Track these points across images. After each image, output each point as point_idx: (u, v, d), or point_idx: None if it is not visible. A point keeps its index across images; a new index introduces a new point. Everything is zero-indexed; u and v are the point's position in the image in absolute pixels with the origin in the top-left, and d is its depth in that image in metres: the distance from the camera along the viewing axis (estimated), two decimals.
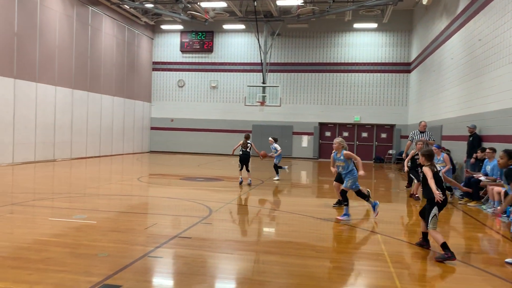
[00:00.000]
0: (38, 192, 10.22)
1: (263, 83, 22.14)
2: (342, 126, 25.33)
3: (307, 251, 5.57)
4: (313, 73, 25.25)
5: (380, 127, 24.96)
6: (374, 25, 23.94)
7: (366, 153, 24.84)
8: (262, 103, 21.52)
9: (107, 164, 18.45)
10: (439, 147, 10.90)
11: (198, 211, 8.13)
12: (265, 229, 7.37)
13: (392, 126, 24.81)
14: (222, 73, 26.27)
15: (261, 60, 22.64)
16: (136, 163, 19.74)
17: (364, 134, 25.16)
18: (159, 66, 27.09)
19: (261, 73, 23.01)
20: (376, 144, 24.97)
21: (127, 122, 24.36)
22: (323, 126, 25.42)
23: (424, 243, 5.95)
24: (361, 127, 25.15)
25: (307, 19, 21.92)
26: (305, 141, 25.33)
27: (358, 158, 8.04)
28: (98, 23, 21.29)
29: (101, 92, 21.71)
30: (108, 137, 22.52)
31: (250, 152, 12.55)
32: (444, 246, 5.31)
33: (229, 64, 26.16)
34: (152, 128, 27.13)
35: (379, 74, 24.63)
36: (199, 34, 26.26)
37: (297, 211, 8.48)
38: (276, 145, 14.09)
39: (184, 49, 26.53)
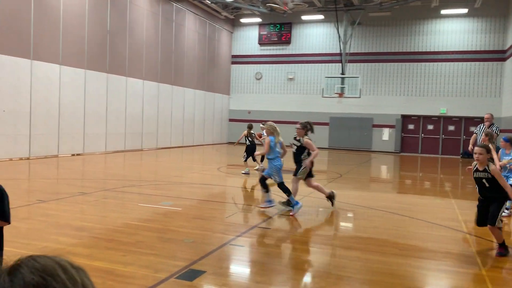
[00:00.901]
0: (128, 179, 10.98)
1: (342, 74, 21.66)
2: (427, 119, 24.02)
3: (389, 248, 5.40)
4: (395, 62, 24.17)
5: (469, 120, 23.28)
6: (464, 11, 22.28)
7: (452, 147, 23.34)
8: (341, 94, 21.07)
9: (189, 154, 19.29)
10: (508, 140, 9.43)
11: (276, 203, 8.21)
12: (345, 224, 7.26)
13: (482, 119, 23.05)
14: (299, 64, 26.13)
15: (340, 51, 22.14)
16: (216, 153, 20.41)
17: (451, 127, 23.64)
18: (238, 59, 27.63)
19: (340, 64, 22.52)
20: (464, 138, 23.34)
21: (207, 114, 25.24)
22: (406, 118, 24.30)
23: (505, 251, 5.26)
24: (448, 119, 23.65)
25: (390, 6, 21.00)
26: (386, 134, 24.41)
27: (316, 151, 7.61)
28: (181, 19, 22.21)
29: (184, 85, 22.69)
30: (190, 128, 23.52)
31: (255, 142, 12.50)
32: (504, 244, 5.26)
33: (307, 55, 25.94)
34: (230, 120, 27.83)
35: (468, 63, 22.93)
36: (277, 26, 26.32)
37: (377, 206, 8.23)
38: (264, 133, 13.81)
39: (262, 41, 26.77)
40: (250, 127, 12.72)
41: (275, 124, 7.76)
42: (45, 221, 6.22)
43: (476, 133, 10.97)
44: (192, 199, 8.41)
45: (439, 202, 9.31)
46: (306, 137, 7.77)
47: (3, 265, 0.67)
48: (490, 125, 10.86)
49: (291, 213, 7.13)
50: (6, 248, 4.85)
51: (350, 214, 7.79)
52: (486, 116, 11.16)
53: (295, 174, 7.74)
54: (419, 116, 24.11)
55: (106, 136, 17.41)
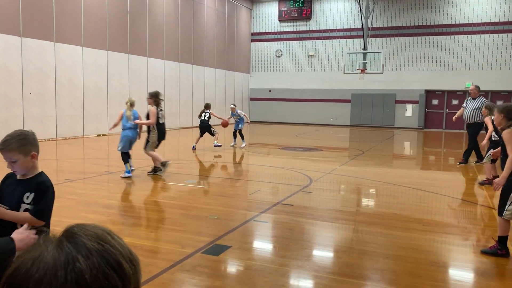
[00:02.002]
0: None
1: (364, 49, 21.23)
2: (451, 94, 23.44)
3: (414, 224, 5.39)
4: (419, 36, 23.53)
5: (496, 94, 22.61)
6: None
7: None
8: (363, 70, 20.71)
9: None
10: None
11: (298, 180, 8.26)
12: (368, 200, 7.26)
13: (510, 93, 22.35)
14: (320, 40, 25.71)
15: (362, 25, 21.66)
16: None
17: None
18: (258, 37, 27.36)
19: (362, 39, 22.06)
20: None
21: (228, 93, 25.24)
22: (429, 93, 23.78)
23: None
24: None
25: None
26: (409, 110, 23.98)
27: (151, 121, 8.28)
28: None
29: (204, 64, 22.68)
30: (211, 107, 23.59)
31: (209, 121, 12.77)
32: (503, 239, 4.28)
33: (328, 31, 25.48)
34: (251, 99, 27.77)
35: (497, 34, 22.12)
36: (297, 2, 25.85)
37: (401, 182, 8.18)
38: (239, 111, 13.88)
39: (282, 18, 26.39)
40: (206, 107, 13.08)
41: (133, 98, 8.42)
42: (74, 199, 6.43)
43: (464, 107, 10.58)
44: (215, 177, 8.52)
45: (464, 177, 9.18)
46: (154, 107, 8.34)
47: (51, 234, 0.70)
48: (476, 98, 10.42)
49: (121, 175, 7.91)
50: None
51: (373, 191, 7.77)
52: (471, 88, 10.72)
53: (144, 148, 8.45)
54: (443, 91, 23.55)
55: None
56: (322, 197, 7.01)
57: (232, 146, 13.44)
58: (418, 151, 15.17)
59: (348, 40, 24.94)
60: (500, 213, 4.27)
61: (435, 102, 23.74)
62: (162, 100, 8.69)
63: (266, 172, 9.48)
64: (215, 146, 12.49)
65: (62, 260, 0.63)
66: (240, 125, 13.65)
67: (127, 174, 7.97)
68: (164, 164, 8.28)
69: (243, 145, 13.23)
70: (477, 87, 10.51)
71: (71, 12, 14.58)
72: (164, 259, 3.99)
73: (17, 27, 12.91)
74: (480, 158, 10.24)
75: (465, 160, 10.43)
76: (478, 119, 10.02)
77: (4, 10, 12.52)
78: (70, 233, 0.68)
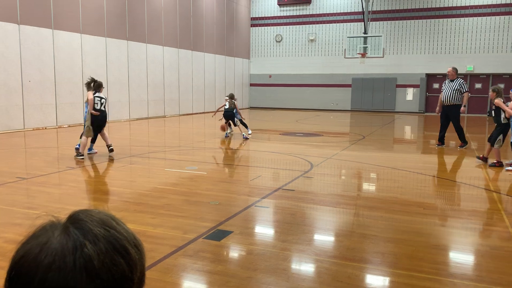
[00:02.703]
0: (152, 145, 11.18)
1: (365, 33, 21.06)
2: None
3: (414, 208, 5.41)
4: (420, 19, 23.31)
5: (497, 77, 22.49)
6: None
7: (478, 106, 22.70)
8: (363, 54, 20.58)
9: (211, 119, 19.40)
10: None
11: (299, 165, 8.27)
12: (369, 185, 7.28)
13: (510, 75, 22.23)
14: (320, 25, 25.49)
15: (363, 9, 21.44)
16: None
17: (478, 85, 22.91)
18: (257, 22, 27.12)
19: (362, 23, 21.87)
20: None
21: (228, 79, 25.13)
22: (430, 77, 23.65)
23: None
24: (475, 77, 22.90)
25: None
26: (410, 94, 23.89)
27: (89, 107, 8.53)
28: None
29: (204, 50, 22.53)
30: (211, 94, 23.53)
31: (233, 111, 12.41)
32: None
33: (328, 15, 25.23)
34: (251, 85, 27.66)
35: (498, 17, 21.90)
36: None
37: (401, 167, 8.19)
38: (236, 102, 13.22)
39: (281, 2, 26.11)
40: (231, 97, 12.70)
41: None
42: (76, 187, 6.45)
43: (443, 90, 10.60)
44: (216, 164, 8.54)
45: (465, 161, 9.19)
46: (90, 92, 8.69)
47: (55, 219, 0.70)
48: (454, 80, 10.48)
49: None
50: (41, 213, 5.07)
51: (374, 175, 7.79)
52: (448, 70, 10.81)
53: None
54: (444, 75, 23.37)
55: (129, 103, 17.62)
56: (323, 182, 7.03)
57: (227, 135, 12.87)
58: (418, 135, 15.16)
59: (348, 24, 24.72)
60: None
61: (436, 86, 23.62)
62: (102, 88, 8.98)
63: (267, 158, 9.49)
64: (244, 138, 12.03)
65: (70, 246, 0.63)
66: (237, 115, 13.20)
67: (81, 157, 8.50)
68: (78, 154, 8.55)
69: (250, 132, 12.62)
70: (455, 69, 10.71)
71: None
72: (167, 245, 4.02)
73: (14, 15, 12.80)
74: (464, 142, 10.45)
75: (464, 142, 10.48)
76: (457, 101, 10.20)
77: None
78: (76, 219, 0.67)
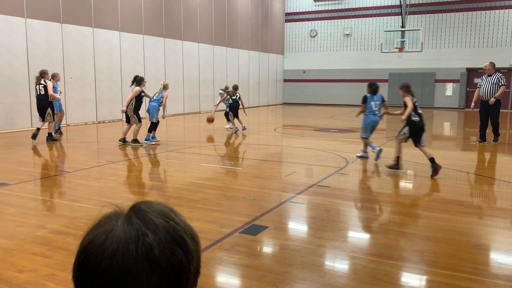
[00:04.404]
0: (188, 140, 11.36)
1: (402, 27, 20.56)
2: None
3: (454, 206, 5.26)
4: (460, 12, 22.49)
5: None
6: None
7: None
8: (401, 49, 20.10)
9: (245, 115, 19.48)
10: None
11: (334, 162, 8.20)
12: (406, 182, 7.13)
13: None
14: (356, 19, 25.05)
15: (400, 2, 20.93)
16: (271, 114, 20.47)
17: None
18: (292, 17, 26.97)
19: (400, 17, 21.35)
20: None
21: (262, 75, 25.15)
22: (471, 72, 22.80)
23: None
24: None
25: None
26: (449, 89, 23.13)
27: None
28: None
29: (238, 47, 22.64)
30: (245, 90, 23.62)
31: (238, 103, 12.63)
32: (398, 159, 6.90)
33: (364, 9, 24.76)
34: (285, 81, 27.56)
35: None
36: None
37: (441, 164, 7.95)
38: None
39: None
40: (235, 88, 12.76)
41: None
42: (116, 180, 6.66)
43: (479, 86, 10.31)
44: (250, 159, 8.59)
45: (508, 159, 8.84)
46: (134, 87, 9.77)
47: (119, 209, 0.73)
48: (492, 75, 10.17)
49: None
50: (84, 205, 5.27)
51: (412, 172, 7.62)
52: (485, 65, 10.45)
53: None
54: None
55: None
56: (359, 179, 6.94)
57: (229, 129, 12.91)
58: (458, 131, 14.69)
59: (385, 18, 24.17)
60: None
61: (477, 80, 22.73)
62: (143, 82, 10.02)
63: (301, 154, 9.46)
64: (243, 130, 12.49)
65: (133, 235, 0.66)
66: (227, 108, 12.90)
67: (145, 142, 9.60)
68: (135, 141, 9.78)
69: (230, 126, 12.82)
70: (492, 63, 10.50)
71: None
72: (204, 238, 4.09)
73: (57, 14, 13.29)
74: (497, 135, 10.44)
75: (497, 135, 10.41)
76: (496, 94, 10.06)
77: None
78: (138, 209, 0.71)
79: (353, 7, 25.00)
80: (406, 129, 6.95)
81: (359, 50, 25.10)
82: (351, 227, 4.65)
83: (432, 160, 6.69)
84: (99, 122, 14.85)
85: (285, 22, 27.13)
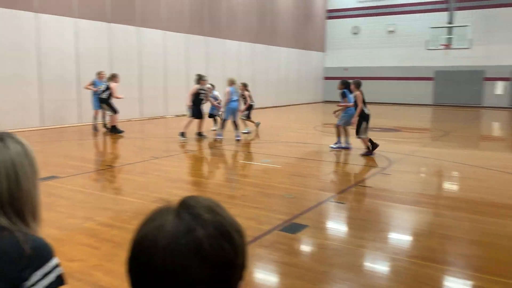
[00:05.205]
0: (228, 138, 11.46)
1: (449, 23, 19.81)
2: None
3: (503, 210, 5.04)
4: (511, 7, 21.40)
5: None
6: None
7: None
8: (447, 46, 19.39)
9: (284, 113, 19.46)
10: None
11: (376, 161, 8.04)
12: (452, 183, 6.89)
13: None
14: (400, 15, 24.37)
15: None
16: (311, 112, 20.32)
17: None
18: (334, 14, 26.60)
19: (446, 12, 20.58)
20: None
21: (302, 72, 24.99)
22: None
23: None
24: None
25: None
26: (500, 87, 22.06)
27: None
28: None
29: (279, 44, 22.60)
30: (285, 87, 23.57)
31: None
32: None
33: (409, 4, 24.05)
34: (325, 78, 27.25)
35: None
36: None
37: (490, 166, 7.64)
38: (216, 92, 11.85)
39: None
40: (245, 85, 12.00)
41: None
42: (159, 175, 6.84)
43: None
44: (289, 157, 8.57)
45: None
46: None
47: (168, 204, 0.75)
48: None
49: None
50: (129, 199, 5.45)
51: (458, 173, 7.36)
52: None
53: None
54: None
55: None
56: (402, 180, 6.78)
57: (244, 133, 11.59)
58: (509, 132, 14.02)
59: (430, 13, 23.36)
60: None
61: None
62: (202, 81, 10.29)
63: (342, 153, 9.34)
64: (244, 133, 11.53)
65: (182, 229, 0.69)
66: (214, 110, 11.82)
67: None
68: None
69: (214, 131, 11.41)
70: None
71: None
72: None
73: (104, 14, 13.78)
74: None
75: None
76: None
77: None
78: (187, 205, 0.73)
79: (397, 3, 24.34)
80: (364, 123, 8.38)
81: (403, 47, 24.41)
82: (392, 229, 4.55)
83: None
84: (142, 119, 15.27)
85: (327, 19, 26.81)
